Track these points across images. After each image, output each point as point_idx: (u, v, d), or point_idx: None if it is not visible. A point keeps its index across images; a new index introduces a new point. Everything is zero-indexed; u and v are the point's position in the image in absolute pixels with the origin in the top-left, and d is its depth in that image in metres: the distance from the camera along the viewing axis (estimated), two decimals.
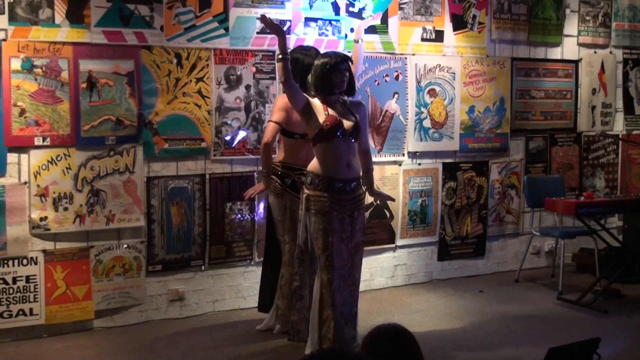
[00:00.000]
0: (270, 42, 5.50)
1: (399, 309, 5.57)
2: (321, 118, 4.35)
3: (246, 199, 4.89)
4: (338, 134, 4.35)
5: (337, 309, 4.36)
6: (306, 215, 4.40)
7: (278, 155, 4.97)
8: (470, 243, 6.60)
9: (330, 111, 4.40)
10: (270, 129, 4.73)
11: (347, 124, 4.39)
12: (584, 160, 7.19)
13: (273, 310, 5.00)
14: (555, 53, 6.97)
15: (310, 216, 4.37)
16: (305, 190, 4.42)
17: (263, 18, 4.48)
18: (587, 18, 7.09)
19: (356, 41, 5.08)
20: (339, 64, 4.40)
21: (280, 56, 4.31)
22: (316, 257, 4.47)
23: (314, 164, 4.44)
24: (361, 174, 4.56)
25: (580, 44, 7.09)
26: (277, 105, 4.78)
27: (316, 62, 4.48)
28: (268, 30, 4.91)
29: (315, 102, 4.42)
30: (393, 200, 5.32)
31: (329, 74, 4.38)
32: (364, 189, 4.63)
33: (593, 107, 7.19)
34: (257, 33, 5.46)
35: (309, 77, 4.48)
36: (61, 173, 4.89)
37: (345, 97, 4.51)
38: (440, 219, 6.41)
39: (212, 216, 5.42)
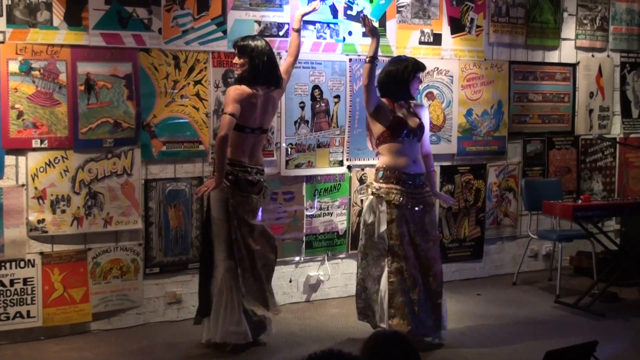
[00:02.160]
0: None
1: None
2: (389, 119, 4.60)
3: (199, 196, 4.81)
4: (404, 133, 4.58)
5: (408, 297, 4.53)
6: (377, 206, 4.58)
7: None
8: (468, 246, 6.60)
9: (398, 112, 4.65)
10: (226, 121, 4.45)
11: (412, 122, 4.64)
12: (581, 164, 7.19)
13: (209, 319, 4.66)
14: (553, 56, 6.98)
15: (383, 207, 4.55)
16: (376, 184, 4.63)
17: (365, 19, 4.68)
18: (585, 21, 7.10)
19: (296, 30, 4.92)
20: (418, 71, 4.70)
21: (369, 59, 4.56)
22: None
23: (383, 161, 4.66)
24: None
25: (577, 48, 7.10)
26: (230, 96, 4.51)
27: (391, 67, 4.70)
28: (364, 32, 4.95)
29: (385, 101, 4.67)
30: (453, 202, 5.65)
31: (409, 81, 4.65)
32: (428, 188, 4.82)
33: (591, 111, 7.20)
34: None
35: (381, 77, 4.69)
36: (59, 175, 4.89)
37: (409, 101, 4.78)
38: (438, 222, 6.40)
39: None
